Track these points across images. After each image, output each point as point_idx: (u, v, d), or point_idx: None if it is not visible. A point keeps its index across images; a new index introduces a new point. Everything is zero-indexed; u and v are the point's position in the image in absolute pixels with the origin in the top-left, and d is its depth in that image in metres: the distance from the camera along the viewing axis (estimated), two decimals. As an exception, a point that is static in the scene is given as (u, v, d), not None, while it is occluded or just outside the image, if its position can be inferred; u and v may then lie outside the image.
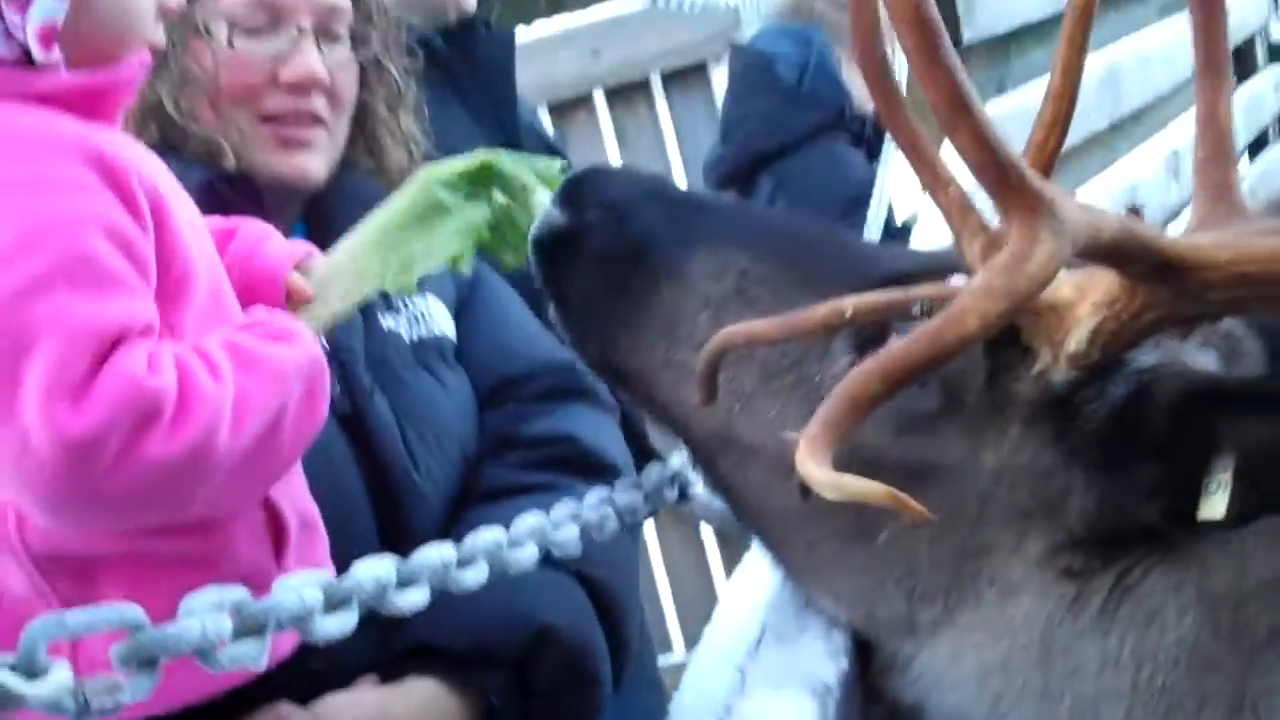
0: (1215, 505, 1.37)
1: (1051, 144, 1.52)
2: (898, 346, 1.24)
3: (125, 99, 1.45)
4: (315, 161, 1.97)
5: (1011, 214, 1.22)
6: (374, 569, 1.32)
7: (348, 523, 1.54)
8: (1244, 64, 7.04)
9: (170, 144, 1.89)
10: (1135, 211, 1.50)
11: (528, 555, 1.59)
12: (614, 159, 4.73)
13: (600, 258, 1.67)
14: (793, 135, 3.75)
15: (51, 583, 1.39)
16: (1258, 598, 1.46)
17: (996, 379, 1.52)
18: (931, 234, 3.34)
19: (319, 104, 1.96)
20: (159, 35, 1.46)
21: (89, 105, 1.38)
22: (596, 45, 4.52)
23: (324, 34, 1.96)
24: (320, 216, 2.03)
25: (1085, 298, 1.40)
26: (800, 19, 3.73)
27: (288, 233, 1.93)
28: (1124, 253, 1.26)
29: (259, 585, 1.38)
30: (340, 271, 1.70)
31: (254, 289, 1.62)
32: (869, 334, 1.57)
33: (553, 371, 2.11)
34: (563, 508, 1.69)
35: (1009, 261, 1.21)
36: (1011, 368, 1.52)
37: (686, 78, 4.87)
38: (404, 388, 1.94)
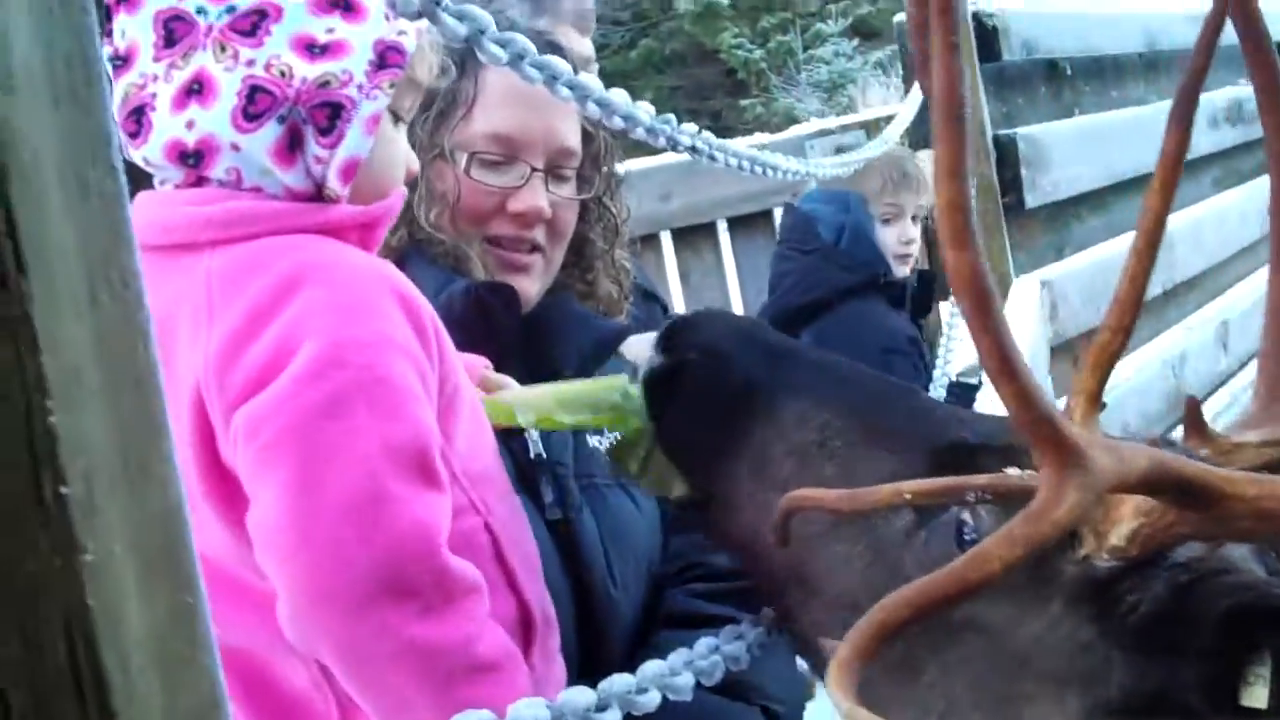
0: (1257, 696, 1.45)
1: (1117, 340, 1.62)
2: (927, 581, 1.33)
3: (385, 230, 1.60)
4: (530, 284, 2.13)
5: (1046, 463, 1.33)
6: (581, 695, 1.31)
7: None
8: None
9: (416, 249, 2.09)
10: (1193, 404, 1.60)
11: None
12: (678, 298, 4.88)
13: (699, 396, 1.77)
14: (828, 291, 3.96)
15: (331, 682, 1.45)
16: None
17: (1043, 554, 1.61)
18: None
19: (539, 234, 2.13)
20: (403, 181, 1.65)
21: (363, 235, 1.52)
22: (667, 189, 4.67)
23: (553, 172, 2.12)
24: (537, 327, 2.17)
25: (1129, 498, 1.49)
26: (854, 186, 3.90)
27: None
28: (1154, 486, 1.37)
29: None
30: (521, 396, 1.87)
31: None
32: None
33: None
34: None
35: (1035, 511, 1.32)
36: (1058, 545, 1.60)
37: (751, 222, 5.02)
38: (605, 504, 2.07)
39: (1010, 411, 1.32)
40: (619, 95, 1.44)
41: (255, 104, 1.45)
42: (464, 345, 1.87)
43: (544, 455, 2.01)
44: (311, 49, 1.45)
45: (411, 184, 2.08)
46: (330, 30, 1.46)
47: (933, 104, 1.16)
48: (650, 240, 4.77)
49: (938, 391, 3.26)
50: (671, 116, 1.61)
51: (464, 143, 2.13)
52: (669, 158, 4.96)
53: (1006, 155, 4.81)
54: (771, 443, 1.76)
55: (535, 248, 2.15)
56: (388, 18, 1.48)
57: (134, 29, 1.49)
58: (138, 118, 1.49)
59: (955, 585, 1.30)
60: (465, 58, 2.13)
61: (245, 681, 1.50)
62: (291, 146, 1.46)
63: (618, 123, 1.46)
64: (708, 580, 2.10)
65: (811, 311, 4.02)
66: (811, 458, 1.74)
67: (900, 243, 3.89)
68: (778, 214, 5.17)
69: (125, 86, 1.49)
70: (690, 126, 1.65)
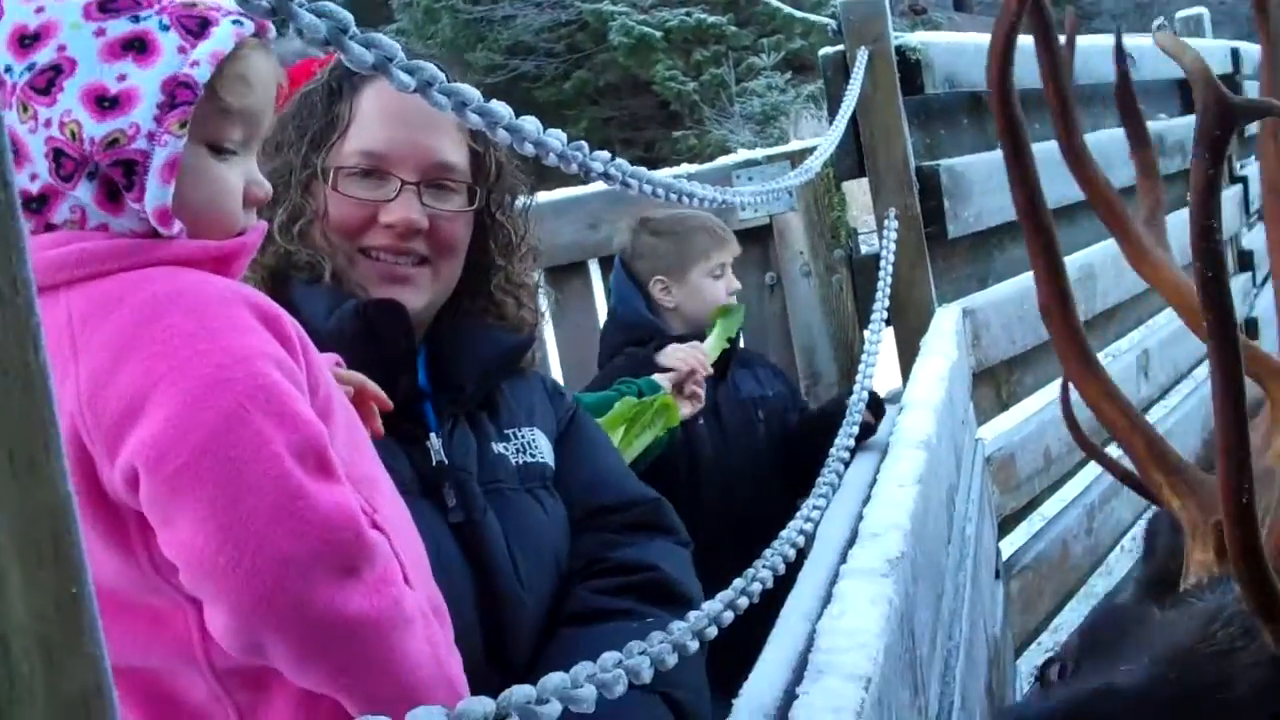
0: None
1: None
2: None
3: (246, 261, 1.60)
4: (415, 295, 2.17)
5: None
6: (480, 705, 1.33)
7: (457, 619, 1.67)
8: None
9: (293, 268, 2.13)
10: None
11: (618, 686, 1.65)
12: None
13: None
14: (606, 353, 3.99)
15: (229, 692, 1.47)
16: None
17: None
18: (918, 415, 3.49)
19: (419, 245, 2.17)
20: (249, 220, 1.60)
21: (218, 268, 1.52)
22: (595, 218, 4.70)
23: (431, 186, 2.17)
24: (439, 342, 2.25)
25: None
26: None
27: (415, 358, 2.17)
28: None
29: None
30: None
31: None
32: None
33: (640, 505, 2.31)
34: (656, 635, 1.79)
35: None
36: None
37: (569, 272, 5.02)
38: (510, 506, 2.13)
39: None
40: (529, 122, 1.46)
41: (62, 167, 1.46)
42: (357, 364, 1.91)
43: (445, 461, 2.10)
44: (101, 102, 1.45)
45: (285, 204, 2.15)
46: (122, 78, 1.45)
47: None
48: (579, 268, 4.78)
49: (858, 405, 3.30)
50: (583, 144, 1.62)
51: (336, 161, 2.19)
52: (598, 187, 4.98)
53: (929, 186, 4.88)
54: None
55: (422, 260, 2.19)
56: (188, 39, 1.48)
57: None
58: None
59: None
60: (341, 83, 2.19)
61: (144, 699, 1.52)
62: (111, 197, 1.47)
63: (529, 149, 1.48)
64: (610, 575, 2.16)
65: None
66: None
67: (728, 294, 3.99)
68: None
69: None
70: (603, 154, 1.68)
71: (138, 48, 1.47)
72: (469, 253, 2.29)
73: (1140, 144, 2.04)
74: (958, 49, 5.33)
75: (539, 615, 2.10)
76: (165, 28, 1.48)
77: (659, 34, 29.12)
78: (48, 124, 1.45)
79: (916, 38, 5.09)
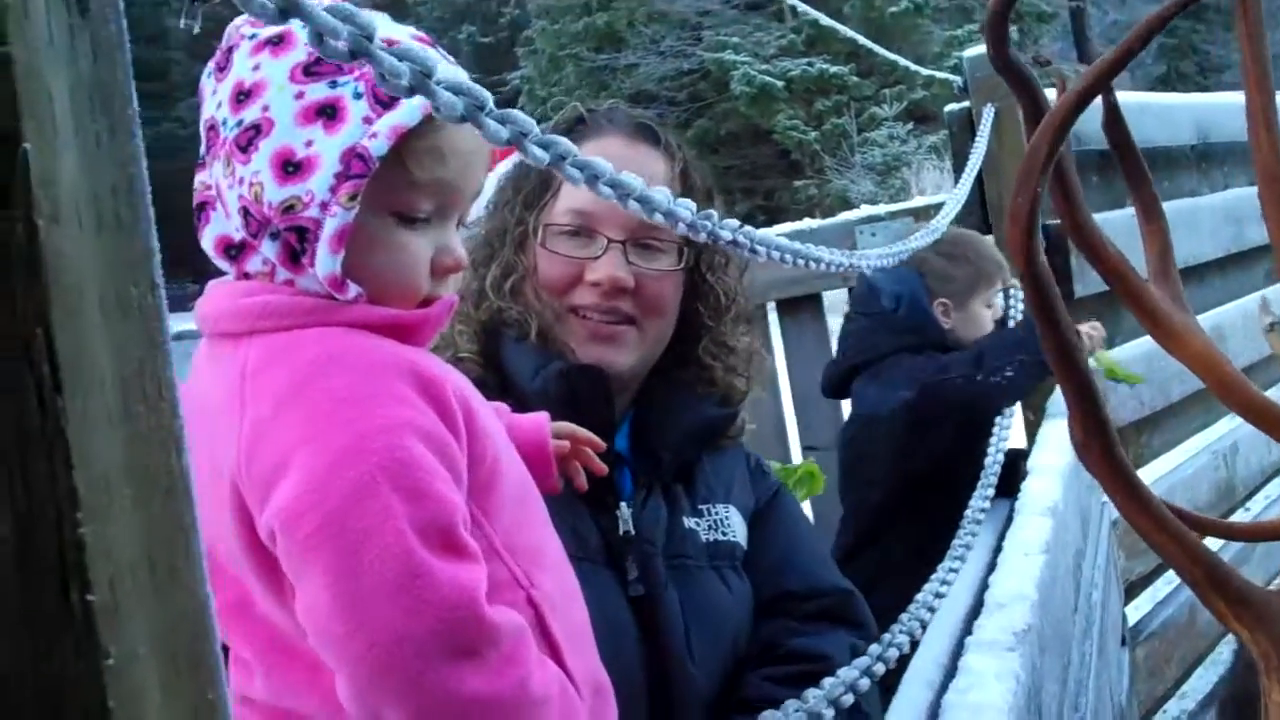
0: None
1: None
2: None
3: (433, 333, 1.59)
4: (621, 355, 2.16)
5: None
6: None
7: (624, 691, 1.66)
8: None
9: (504, 326, 2.15)
10: None
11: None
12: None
13: None
14: (881, 351, 4.07)
15: None
16: None
17: None
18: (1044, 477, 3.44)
19: (625, 305, 2.15)
20: (439, 289, 1.59)
21: (398, 335, 1.51)
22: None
23: (638, 245, 2.16)
24: (646, 415, 2.22)
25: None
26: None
27: (620, 424, 2.17)
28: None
29: None
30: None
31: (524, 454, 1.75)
32: None
33: (830, 595, 2.25)
34: None
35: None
36: None
37: (798, 305, 5.04)
38: (693, 582, 2.09)
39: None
40: (660, 193, 1.46)
41: (249, 225, 1.49)
42: None
43: (633, 532, 2.06)
44: (286, 167, 1.46)
45: (499, 261, 2.18)
46: (309, 144, 1.47)
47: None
48: (811, 300, 4.96)
49: (994, 467, 3.29)
50: (713, 212, 1.61)
51: (547, 219, 2.19)
52: (829, 220, 5.09)
53: (1056, 244, 4.82)
54: None
55: (628, 320, 2.18)
56: (375, 109, 1.48)
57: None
58: (200, 212, 1.56)
59: None
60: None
61: None
62: (292, 258, 1.49)
63: (658, 219, 1.48)
64: (784, 663, 2.11)
65: (868, 368, 4.11)
66: None
67: (994, 320, 4.04)
68: (826, 297, 5.20)
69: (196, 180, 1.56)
70: (732, 221, 1.67)
71: (328, 114, 1.47)
72: (680, 315, 2.26)
73: (1137, 181, 1.97)
74: (1089, 107, 5.26)
75: (710, 694, 2.06)
76: (358, 96, 1.48)
77: (780, 83, 29.20)
78: (240, 181, 1.48)
79: (1045, 95, 5.03)
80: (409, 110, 1.48)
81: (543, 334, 2.14)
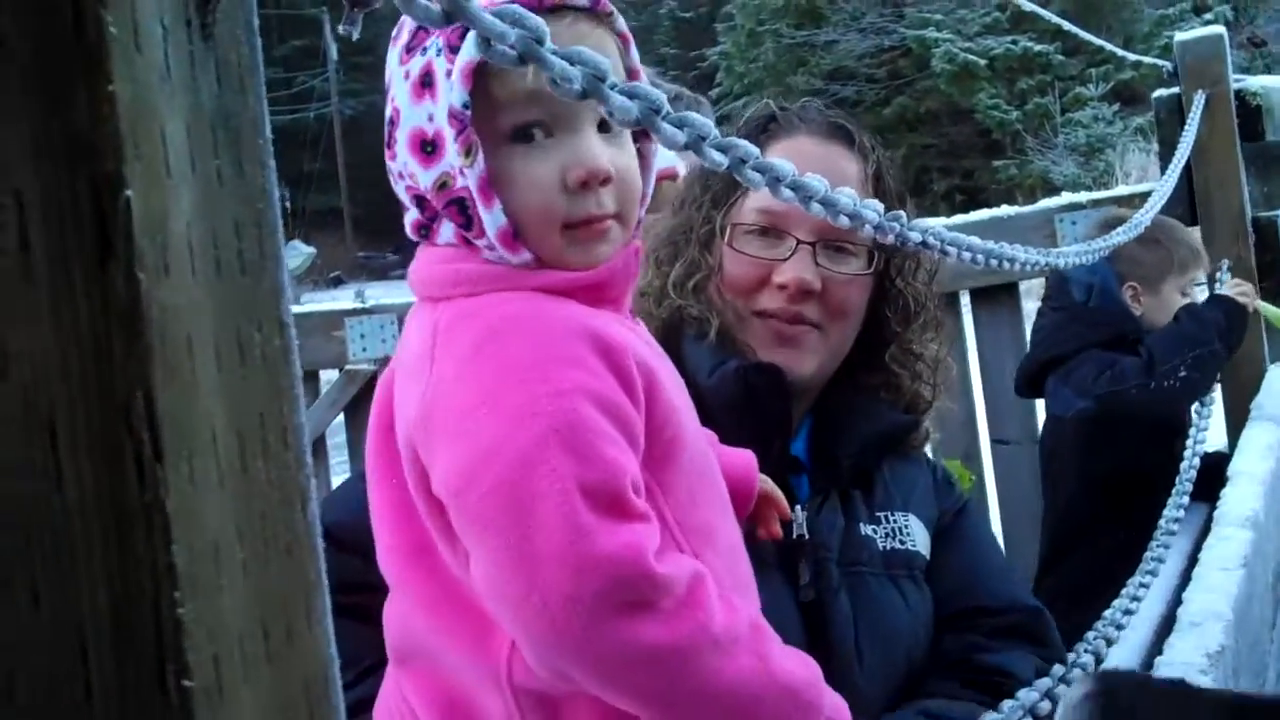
0: None
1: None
2: None
3: (626, 287, 1.58)
4: (803, 359, 2.11)
5: None
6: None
7: None
8: None
9: (684, 323, 2.13)
10: None
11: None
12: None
13: None
14: (1074, 346, 3.98)
15: (524, 712, 1.49)
16: None
17: None
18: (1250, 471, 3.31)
19: (810, 309, 2.11)
20: (580, 206, 1.52)
21: (589, 296, 1.52)
22: (1021, 237, 4.63)
23: (828, 247, 2.11)
24: (826, 420, 2.18)
25: None
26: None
27: (799, 428, 2.15)
28: None
29: None
30: None
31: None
32: None
33: (1019, 611, 2.19)
34: None
35: None
36: None
37: (994, 295, 4.93)
38: (866, 590, 2.05)
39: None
40: (844, 195, 1.40)
41: (425, 211, 1.52)
42: (733, 424, 1.90)
43: (806, 536, 2.02)
44: (424, 148, 1.48)
45: (683, 260, 2.16)
46: (430, 118, 1.47)
47: None
48: (1008, 290, 4.87)
49: (1189, 473, 3.18)
50: (901, 213, 1.55)
51: (735, 219, 2.15)
52: (1024, 208, 5.03)
53: (1266, 238, 4.64)
54: None
55: (809, 322, 2.12)
56: (450, 59, 1.46)
57: None
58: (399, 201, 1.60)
59: None
60: (749, 140, 2.13)
61: (445, 710, 1.55)
62: (467, 232, 1.50)
63: (844, 221, 1.43)
64: (972, 677, 2.05)
65: (1058, 364, 4.03)
66: None
67: None
68: (1022, 287, 5.09)
69: None
70: (922, 222, 1.61)
71: (428, 83, 1.48)
72: (866, 320, 2.20)
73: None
74: (1303, 93, 5.04)
75: (879, 705, 2.01)
76: (439, 53, 1.48)
77: (983, 62, 28.71)
78: (400, 176, 1.51)
79: (1258, 81, 4.83)
80: (468, 47, 1.45)
81: (723, 334, 2.11)
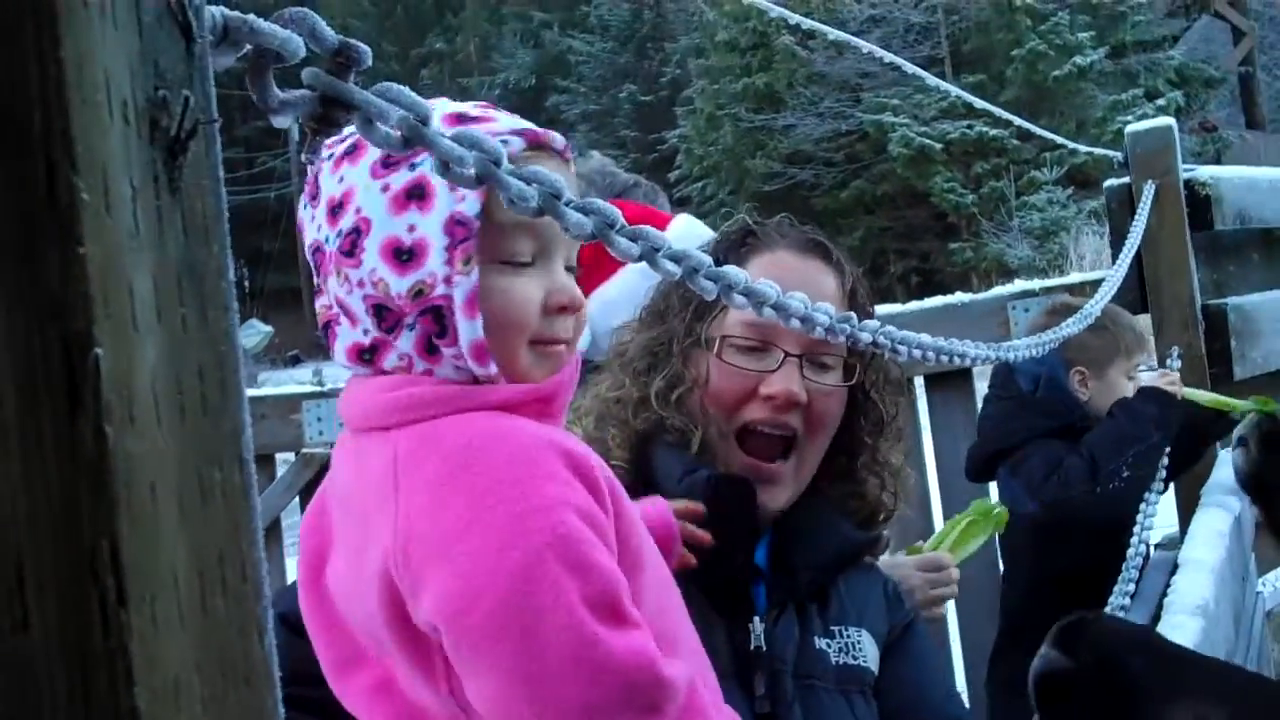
0: None
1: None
2: None
3: (566, 400, 1.61)
4: (777, 494, 2.15)
5: None
6: None
7: None
8: None
9: (661, 433, 2.15)
10: None
11: None
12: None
13: (1091, 701, 1.78)
14: (1023, 436, 4.04)
15: None
16: None
17: None
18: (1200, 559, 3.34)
19: (794, 419, 2.14)
20: (557, 329, 1.59)
21: (540, 410, 1.54)
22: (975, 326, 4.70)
23: (812, 360, 2.15)
24: (788, 532, 2.20)
25: None
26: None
27: (760, 537, 2.16)
28: None
29: None
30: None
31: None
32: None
33: None
34: None
35: None
36: None
37: (948, 380, 4.98)
38: (820, 704, 2.07)
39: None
40: (796, 299, 1.43)
41: (384, 320, 1.51)
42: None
43: (764, 648, 2.04)
44: (399, 256, 1.49)
45: (665, 372, 2.17)
46: (411, 228, 1.49)
47: None
48: (961, 375, 4.97)
49: (1135, 559, 3.22)
50: (852, 314, 1.59)
51: (721, 331, 2.17)
52: (981, 295, 5.12)
53: (1215, 325, 4.70)
54: None
55: (789, 447, 2.16)
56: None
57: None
58: (326, 331, 1.60)
59: None
60: (726, 255, 2.17)
61: None
62: (429, 349, 1.51)
63: (795, 324, 1.46)
64: None
65: (1007, 455, 4.08)
66: None
67: None
68: (975, 369, 5.15)
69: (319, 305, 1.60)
70: (871, 323, 1.64)
71: (418, 195, 1.50)
72: (837, 431, 2.24)
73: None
74: (1250, 183, 5.14)
75: None
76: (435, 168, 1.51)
77: (939, 146, 29.01)
78: (360, 284, 1.51)
79: (1208, 170, 4.92)
80: None
81: (704, 447, 2.14)
